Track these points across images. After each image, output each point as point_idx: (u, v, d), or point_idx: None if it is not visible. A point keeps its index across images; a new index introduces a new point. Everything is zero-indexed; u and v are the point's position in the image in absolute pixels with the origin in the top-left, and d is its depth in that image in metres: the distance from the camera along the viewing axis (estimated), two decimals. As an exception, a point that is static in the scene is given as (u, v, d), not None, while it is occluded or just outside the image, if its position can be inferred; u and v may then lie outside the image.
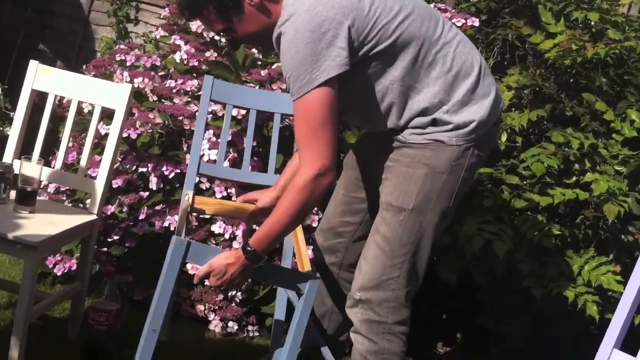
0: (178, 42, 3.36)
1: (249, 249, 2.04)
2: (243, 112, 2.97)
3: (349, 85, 2.04)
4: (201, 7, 2.07)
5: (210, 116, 3.00)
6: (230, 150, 2.95)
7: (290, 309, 2.45)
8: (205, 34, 3.34)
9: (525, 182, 2.93)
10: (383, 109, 2.12)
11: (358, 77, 2.06)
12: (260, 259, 2.06)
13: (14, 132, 2.71)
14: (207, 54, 3.23)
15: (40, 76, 2.70)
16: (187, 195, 2.46)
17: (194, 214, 2.88)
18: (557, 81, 3.12)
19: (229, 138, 2.86)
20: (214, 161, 2.81)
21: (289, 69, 1.98)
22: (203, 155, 2.89)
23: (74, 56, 5.08)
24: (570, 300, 2.74)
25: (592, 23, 3.18)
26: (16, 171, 2.56)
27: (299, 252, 2.32)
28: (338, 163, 2.21)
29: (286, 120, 2.91)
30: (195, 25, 3.38)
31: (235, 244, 2.84)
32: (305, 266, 2.28)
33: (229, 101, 2.69)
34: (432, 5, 3.37)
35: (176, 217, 2.85)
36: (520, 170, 2.93)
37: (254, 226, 2.52)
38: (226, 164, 2.90)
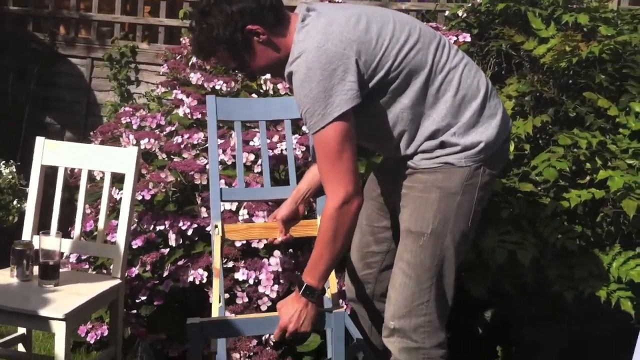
0: (180, 96, 3.41)
1: (303, 283, 2.09)
2: (251, 157, 2.98)
3: (360, 115, 2.07)
4: (214, 49, 2.13)
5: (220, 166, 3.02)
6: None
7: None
8: (205, 85, 3.39)
9: (539, 188, 2.92)
10: (395, 136, 2.14)
11: (368, 107, 2.09)
12: (315, 292, 2.10)
13: (29, 209, 2.76)
14: (209, 103, 3.26)
15: (48, 151, 2.76)
16: (216, 227, 2.48)
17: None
18: (556, 84, 3.12)
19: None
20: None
21: (304, 105, 2.03)
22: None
23: (81, 124, 5.17)
24: (603, 299, 2.72)
25: (583, 23, 3.19)
26: (36, 246, 2.59)
27: None
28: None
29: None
30: (195, 77, 3.43)
31: (261, 288, 2.84)
32: (332, 288, 2.32)
33: (236, 117, 2.66)
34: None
35: (199, 271, 2.86)
36: (533, 177, 2.92)
37: None
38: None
